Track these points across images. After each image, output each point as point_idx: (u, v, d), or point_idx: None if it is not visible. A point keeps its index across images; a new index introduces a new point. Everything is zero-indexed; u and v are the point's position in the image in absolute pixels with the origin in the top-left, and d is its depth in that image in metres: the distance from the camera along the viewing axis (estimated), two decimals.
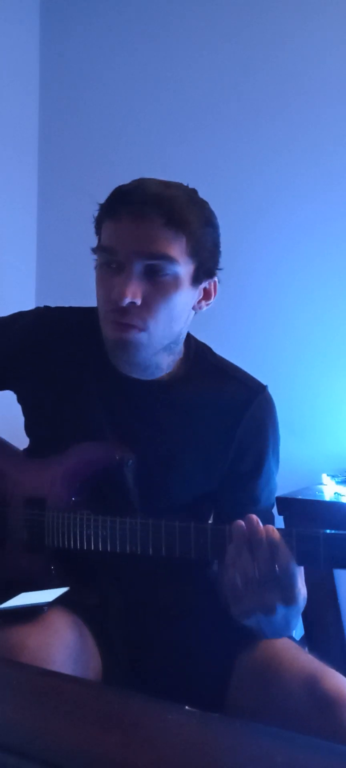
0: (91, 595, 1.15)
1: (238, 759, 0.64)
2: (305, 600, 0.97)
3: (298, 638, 1.99)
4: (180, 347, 1.20)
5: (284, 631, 1.01)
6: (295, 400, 2.20)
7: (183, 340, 1.20)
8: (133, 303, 1.07)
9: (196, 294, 1.16)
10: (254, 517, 0.95)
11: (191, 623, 1.15)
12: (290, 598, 0.93)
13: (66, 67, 2.70)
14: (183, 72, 2.46)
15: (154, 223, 1.06)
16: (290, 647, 1.07)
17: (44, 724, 0.68)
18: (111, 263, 1.10)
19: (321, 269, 2.21)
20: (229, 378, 1.21)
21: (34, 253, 2.69)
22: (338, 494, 1.96)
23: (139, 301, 1.07)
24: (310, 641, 1.94)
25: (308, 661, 1.03)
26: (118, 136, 2.56)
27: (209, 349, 1.26)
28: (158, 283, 1.08)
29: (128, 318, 1.08)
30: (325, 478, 2.06)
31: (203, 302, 1.19)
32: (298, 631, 2.02)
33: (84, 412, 1.19)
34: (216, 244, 1.17)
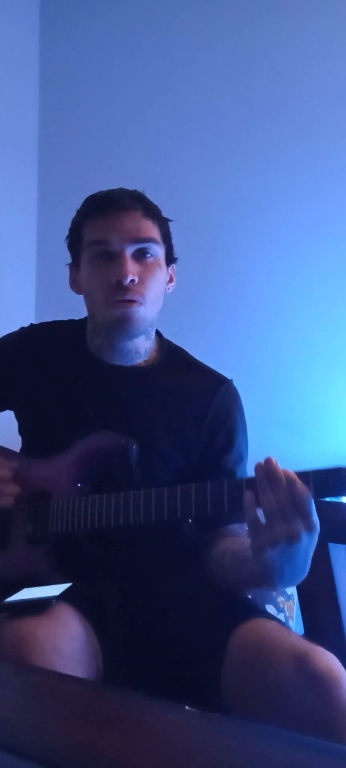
0: (92, 590, 1.16)
1: (238, 759, 0.64)
2: (317, 534, 1.04)
3: None
4: (153, 335, 1.36)
5: (301, 570, 1.07)
6: (295, 400, 2.20)
7: (155, 325, 1.36)
8: (132, 281, 1.25)
9: (167, 276, 1.36)
10: (272, 459, 1.04)
11: (186, 612, 1.18)
12: (311, 525, 1.01)
13: (66, 67, 2.70)
14: (183, 72, 2.46)
15: (136, 214, 1.27)
16: (281, 629, 1.11)
17: (44, 724, 0.68)
18: (102, 254, 1.27)
19: (321, 269, 2.21)
20: (198, 369, 1.37)
21: (34, 253, 2.69)
22: None
23: (136, 279, 1.25)
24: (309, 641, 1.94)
25: (298, 640, 1.06)
26: (118, 135, 2.56)
27: (181, 347, 1.42)
28: (146, 264, 1.28)
29: (130, 294, 1.25)
30: None
31: (170, 285, 1.39)
32: (298, 631, 2.02)
33: (73, 404, 1.29)
34: (171, 235, 1.38)
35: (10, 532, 1.24)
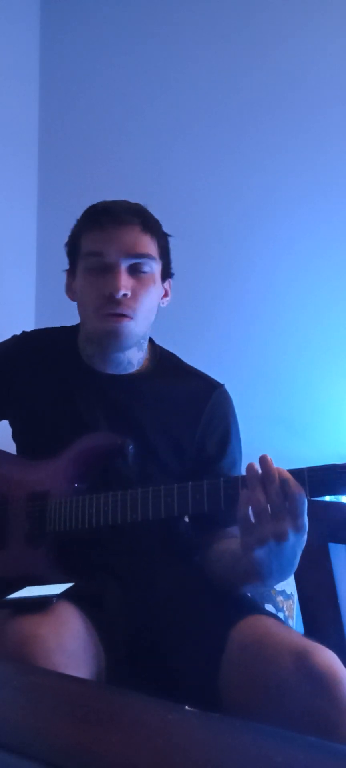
0: (92, 589, 1.17)
1: (238, 759, 0.64)
2: (306, 534, 1.05)
3: None
4: (146, 345, 1.37)
5: (289, 566, 1.08)
6: (295, 400, 2.20)
7: (148, 336, 1.37)
8: (125, 295, 1.25)
9: (161, 291, 1.37)
10: (268, 456, 1.04)
11: (186, 608, 1.18)
12: (300, 526, 1.02)
13: (66, 67, 2.70)
14: (183, 71, 2.46)
15: (134, 229, 1.28)
16: (280, 626, 1.12)
17: (44, 724, 0.68)
18: (98, 266, 1.28)
19: (321, 269, 2.21)
20: (191, 375, 1.38)
21: (34, 254, 2.69)
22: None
23: (129, 293, 1.26)
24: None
25: (297, 637, 1.07)
26: (118, 135, 2.56)
27: (173, 353, 1.43)
28: (141, 279, 1.29)
29: (121, 308, 1.26)
30: None
31: (165, 299, 1.40)
32: (298, 631, 2.02)
33: (68, 412, 1.31)
34: (169, 250, 1.39)
35: (8, 531, 1.24)
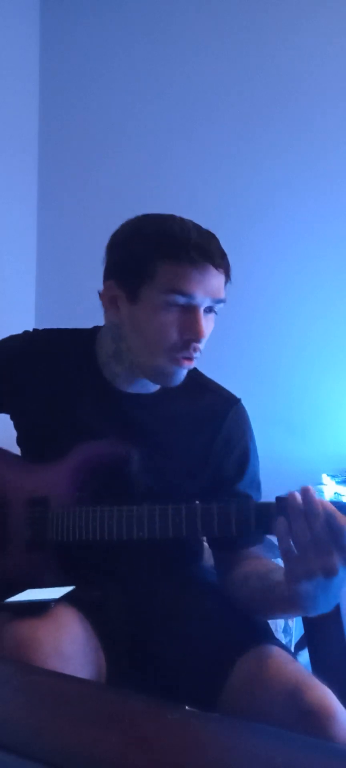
0: (93, 593, 1.16)
1: (238, 759, 0.64)
2: None
3: (298, 637, 1.99)
4: None
5: (335, 599, 1.03)
6: (295, 400, 2.20)
7: None
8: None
9: None
10: (311, 488, 0.99)
11: (190, 618, 1.16)
12: None
13: (66, 67, 2.70)
14: (183, 71, 2.46)
15: (222, 274, 1.20)
16: (280, 658, 1.08)
17: (44, 724, 0.68)
18: (180, 305, 1.16)
19: (321, 269, 2.21)
20: (207, 391, 1.30)
21: (34, 254, 2.69)
22: (338, 494, 1.96)
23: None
24: (310, 641, 1.94)
25: (293, 672, 1.04)
26: (118, 135, 2.56)
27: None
28: (210, 319, 1.20)
29: (196, 353, 1.18)
30: (325, 478, 2.06)
31: None
32: (298, 631, 2.02)
33: (77, 425, 1.24)
34: None
35: (8, 535, 1.23)
